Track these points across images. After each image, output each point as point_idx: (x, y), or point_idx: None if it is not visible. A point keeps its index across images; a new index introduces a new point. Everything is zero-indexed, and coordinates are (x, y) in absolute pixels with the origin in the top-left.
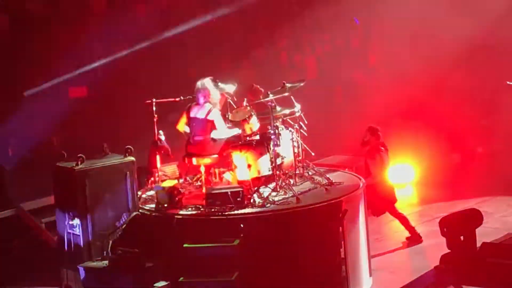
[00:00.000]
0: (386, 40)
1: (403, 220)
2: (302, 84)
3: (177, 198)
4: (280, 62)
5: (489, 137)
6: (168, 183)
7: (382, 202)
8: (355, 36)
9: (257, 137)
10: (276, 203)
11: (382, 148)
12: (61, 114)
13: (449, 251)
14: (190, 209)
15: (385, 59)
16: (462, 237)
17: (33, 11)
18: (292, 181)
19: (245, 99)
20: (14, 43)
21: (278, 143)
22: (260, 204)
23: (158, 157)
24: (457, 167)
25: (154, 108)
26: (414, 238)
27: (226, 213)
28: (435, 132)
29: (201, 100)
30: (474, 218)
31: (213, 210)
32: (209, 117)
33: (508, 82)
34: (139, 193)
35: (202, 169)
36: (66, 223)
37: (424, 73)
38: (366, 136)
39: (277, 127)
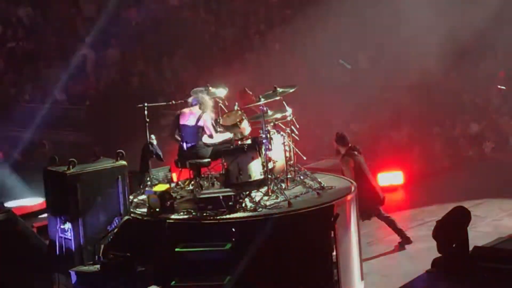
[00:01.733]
0: (377, 44)
1: (391, 223)
2: (293, 90)
3: (168, 203)
4: (271, 65)
5: (481, 140)
6: (159, 188)
7: (366, 206)
8: (346, 40)
9: (249, 141)
10: (268, 207)
11: (355, 152)
12: (53, 118)
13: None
14: (181, 213)
15: (376, 63)
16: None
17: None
18: (283, 185)
19: (236, 103)
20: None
21: (270, 147)
22: (252, 208)
23: (149, 162)
24: (448, 171)
25: (146, 112)
26: (404, 241)
27: (218, 217)
28: (426, 135)
29: (194, 105)
30: (463, 218)
31: (204, 214)
32: (199, 123)
33: (499, 86)
34: (131, 197)
35: (194, 173)
36: (57, 227)
37: (415, 77)
38: (335, 146)
39: (268, 131)
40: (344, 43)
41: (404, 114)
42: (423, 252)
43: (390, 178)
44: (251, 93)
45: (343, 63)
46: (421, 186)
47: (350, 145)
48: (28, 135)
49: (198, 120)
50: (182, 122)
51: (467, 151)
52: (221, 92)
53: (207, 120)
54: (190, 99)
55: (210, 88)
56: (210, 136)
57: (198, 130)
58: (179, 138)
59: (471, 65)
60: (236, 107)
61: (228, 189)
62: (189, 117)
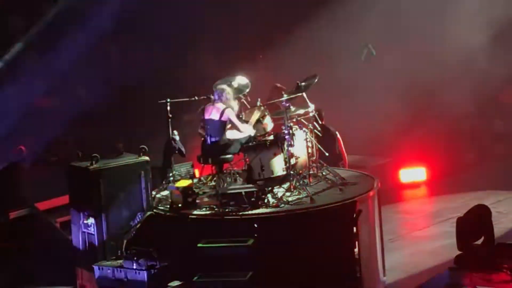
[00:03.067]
0: (398, 39)
1: None
2: (315, 81)
3: (191, 198)
4: (294, 62)
5: (505, 136)
6: (182, 183)
7: None
8: (370, 38)
9: (271, 137)
10: (290, 203)
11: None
12: (76, 113)
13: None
14: (204, 209)
15: (397, 58)
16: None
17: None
18: (306, 181)
19: (259, 99)
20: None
21: (292, 143)
22: (274, 204)
23: (172, 157)
24: (472, 167)
25: (168, 108)
26: None
27: (240, 213)
28: (448, 131)
29: (217, 100)
30: (484, 215)
31: (227, 210)
32: (223, 118)
33: None
34: (154, 193)
35: (217, 169)
36: (81, 223)
37: (437, 70)
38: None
39: (291, 127)
40: (368, 41)
41: (427, 111)
42: (446, 248)
43: (413, 174)
44: (285, 88)
45: (369, 48)
46: (444, 182)
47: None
48: (51, 130)
49: (221, 115)
50: (206, 116)
51: (491, 148)
52: (245, 88)
53: (231, 114)
54: (214, 94)
55: (233, 83)
56: (237, 129)
57: (222, 125)
58: (203, 133)
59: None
60: (258, 103)
61: (250, 185)
62: (212, 112)
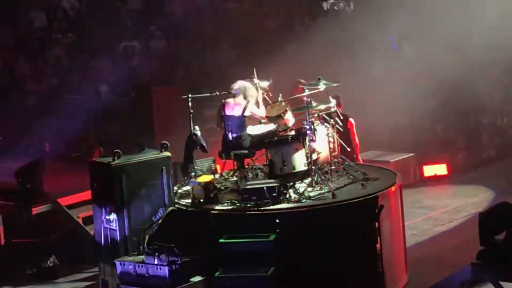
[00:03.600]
0: (423, 35)
1: None
2: (335, 84)
3: (212, 194)
4: (315, 57)
5: None
6: (204, 179)
7: None
8: (391, 31)
9: (293, 132)
10: (312, 198)
11: None
12: (97, 110)
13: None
14: (225, 204)
15: (421, 54)
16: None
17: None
18: (327, 176)
19: (280, 94)
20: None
21: (314, 138)
22: (296, 199)
23: (194, 153)
24: (494, 162)
25: (189, 104)
26: None
27: (262, 208)
28: (472, 126)
29: (237, 97)
30: (507, 211)
31: (248, 205)
32: (246, 113)
33: None
34: (175, 188)
35: (238, 164)
36: (103, 218)
37: (457, 66)
38: None
39: (312, 122)
40: (388, 35)
41: (449, 105)
42: (468, 244)
43: (435, 169)
44: (306, 83)
45: (392, 42)
46: (466, 177)
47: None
48: (73, 127)
49: (244, 110)
50: (227, 112)
51: None
52: (265, 83)
53: (253, 109)
54: (233, 90)
55: (254, 79)
56: (261, 117)
57: (243, 121)
58: (224, 128)
59: None
60: (280, 98)
61: (272, 180)
62: (234, 108)
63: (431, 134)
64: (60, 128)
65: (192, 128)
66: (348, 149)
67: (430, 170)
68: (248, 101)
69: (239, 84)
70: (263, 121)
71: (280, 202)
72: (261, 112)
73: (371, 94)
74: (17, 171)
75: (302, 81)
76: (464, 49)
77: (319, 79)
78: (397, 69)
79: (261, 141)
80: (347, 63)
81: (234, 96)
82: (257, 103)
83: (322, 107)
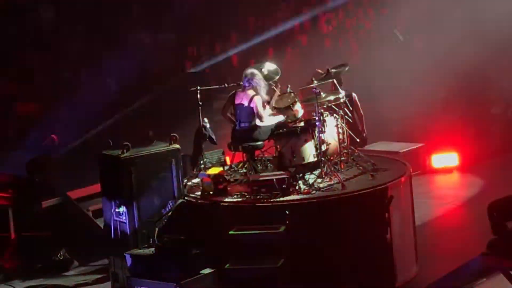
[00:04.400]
0: (432, 25)
1: None
2: (346, 69)
3: (222, 186)
4: (324, 48)
5: None
6: (213, 171)
7: None
8: (400, 22)
9: (302, 124)
10: (322, 190)
11: None
12: (106, 102)
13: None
14: (235, 196)
15: (431, 44)
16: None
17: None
18: (337, 167)
19: (289, 85)
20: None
21: (323, 129)
22: (306, 191)
23: (203, 145)
24: (506, 153)
25: (198, 96)
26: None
27: (272, 200)
28: (482, 117)
29: (247, 87)
30: None
31: (258, 197)
32: (251, 105)
33: None
34: (185, 180)
35: (247, 156)
36: (112, 211)
37: (471, 55)
38: None
39: (321, 114)
40: (398, 25)
41: (459, 95)
42: (479, 234)
43: (445, 159)
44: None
45: (396, 34)
46: (477, 168)
47: None
48: (82, 119)
49: (250, 101)
50: (237, 101)
51: None
52: (274, 74)
53: (258, 103)
54: (243, 81)
55: (263, 70)
56: (260, 119)
57: (251, 111)
58: (233, 118)
59: None
60: (289, 89)
61: (281, 172)
62: (243, 98)
63: (441, 124)
64: (70, 121)
65: (201, 120)
66: (358, 140)
67: (440, 161)
68: (257, 93)
69: (249, 75)
70: (271, 112)
71: (289, 194)
72: (263, 112)
73: (381, 85)
74: (27, 164)
75: (319, 71)
76: (475, 39)
77: (328, 70)
78: (407, 59)
79: (270, 133)
80: (356, 54)
81: (244, 87)
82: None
83: (331, 98)
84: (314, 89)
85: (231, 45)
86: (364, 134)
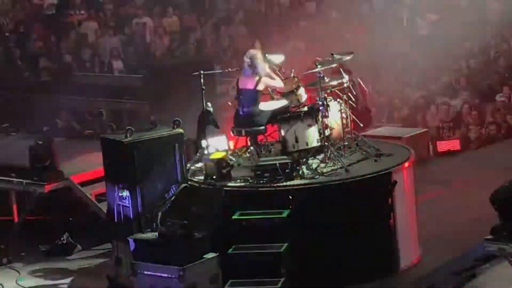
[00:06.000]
0: (438, 10)
1: None
2: (350, 57)
3: (225, 170)
4: (328, 33)
5: None
6: (216, 155)
7: None
8: (405, 6)
9: (305, 108)
10: (325, 174)
11: None
12: (109, 87)
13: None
14: (238, 181)
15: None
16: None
17: None
18: (341, 152)
19: (293, 70)
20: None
21: (327, 114)
22: (309, 175)
23: (206, 129)
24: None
25: (202, 80)
26: None
27: (275, 184)
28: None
29: (249, 71)
30: None
31: (261, 181)
32: (258, 87)
33: None
34: (188, 165)
35: (251, 141)
36: (115, 195)
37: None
38: None
39: (325, 98)
40: (402, 10)
41: (464, 81)
42: (482, 219)
43: (447, 144)
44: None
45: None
46: (479, 153)
47: None
48: (85, 104)
49: (257, 84)
50: (240, 85)
51: None
52: (278, 59)
53: (268, 80)
54: (245, 65)
55: (267, 55)
56: (279, 88)
57: (255, 95)
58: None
59: None
60: (292, 74)
61: (285, 157)
62: (247, 82)
63: (444, 110)
64: (72, 105)
65: (204, 104)
66: (361, 125)
67: (443, 146)
68: (261, 75)
69: (250, 53)
70: (275, 97)
71: (293, 179)
72: (277, 82)
73: (385, 70)
74: (30, 148)
75: (318, 59)
76: (479, 24)
77: (332, 54)
78: (411, 44)
79: (273, 117)
80: (361, 39)
81: (246, 71)
82: (268, 75)
83: (335, 82)
84: (317, 74)
85: (234, 30)
86: (371, 113)
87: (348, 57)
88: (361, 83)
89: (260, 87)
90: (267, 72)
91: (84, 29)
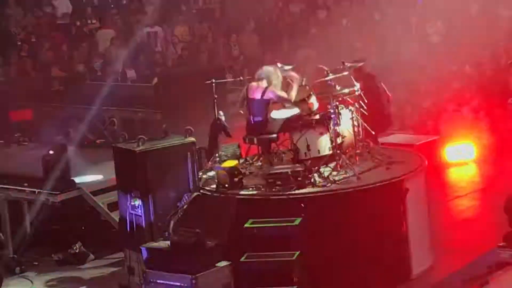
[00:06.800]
0: (447, 17)
1: None
2: (361, 64)
3: (237, 178)
4: (339, 41)
5: None
6: (228, 164)
7: None
8: (415, 13)
9: (317, 116)
10: (337, 182)
11: None
12: (121, 95)
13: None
14: (250, 189)
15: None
16: None
17: None
18: (352, 160)
19: (304, 78)
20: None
21: (338, 122)
22: (321, 183)
23: (218, 138)
24: None
25: (214, 89)
26: None
27: (287, 193)
28: (500, 109)
29: (260, 79)
30: None
31: (273, 190)
32: (265, 97)
33: None
34: (200, 173)
35: (262, 149)
36: (128, 204)
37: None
38: None
39: (336, 106)
40: (412, 17)
41: (476, 87)
42: (494, 227)
43: (460, 151)
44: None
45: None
46: (494, 160)
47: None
48: (97, 112)
49: (263, 93)
50: (250, 95)
51: None
52: (288, 68)
53: (274, 91)
54: (257, 74)
55: (278, 64)
56: (286, 101)
57: (264, 104)
58: (246, 111)
59: None
60: (303, 82)
61: (297, 165)
62: (256, 91)
63: (456, 117)
64: (84, 114)
65: (216, 113)
66: (373, 132)
67: (455, 153)
68: (269, 85)
69: (264, 69)
70: (287, 105)
71: (305, 186)
72: (283, 94)
73: (396, 77)
74: (43, 157)
75: (323, 67)
76: (490, 31)
77: (343, 63)
78: (421, 51)
79: (285, 125)
80: (372, 47)
81: (258, 80)
82: (282, 90)
83: (346, 91)
84: (329, 82)
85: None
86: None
87: (360, 64)
88: (385, 88)
89: (266, 96)
90: (280, 87)
91: (97, 38)
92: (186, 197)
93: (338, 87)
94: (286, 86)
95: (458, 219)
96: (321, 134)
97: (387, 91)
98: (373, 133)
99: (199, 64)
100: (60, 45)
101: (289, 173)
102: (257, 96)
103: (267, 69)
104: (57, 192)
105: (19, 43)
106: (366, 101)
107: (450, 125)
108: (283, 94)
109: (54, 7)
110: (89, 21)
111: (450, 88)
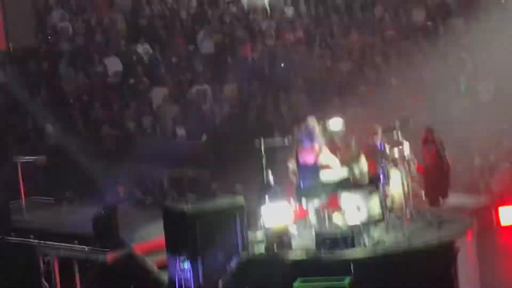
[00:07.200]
0: (498, 75)
1: None
2: (411, 123)
3: (286, 239)
4: (388, 100)
5: None
6: (277, 225)
7: None
8: (465, 72)
9: (366, 177)
10: (387, 243)
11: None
12: (170, 153)
13: None
14: (299, 250)
15: (497, 94)
16: None
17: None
18: (402, 221)
19: (353, 138)
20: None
21: (388, 183)
22: (371, 244)
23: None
24: None
25: (262, 148)
26: None
27: (336, 253)
28: None
29: (308, 143)
30: None
31: (323, 250)
32: (318, 163)
33: None
34: (249, 234)
35: (311, 209)
36: (176, 265)
37: None
38: None
39: (386, 168)
40: (462, 76)
41: None
42: None
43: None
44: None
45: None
46: None
47: None
48: (147, 170)
49: (315, 158)
50: (301, 160)
51: None
52: (337, 124)
53: (325, 157)
54: (303, 134)
55: (326, 123)
56: (333, 167)
57: (316, 169)
58: (294, 176)
59: None
60: (353, 143)
61: (346, 225)
62: (307, 156)
63: (509, 176)
64: (134, 172)
65: (264, 171)
66: (424, 198)
67: (509, 215)
68: (320, 148)
69: (315, 130)
70: (336, 167)
71: (354, 248)
72: (334, 158)
73: (445, 136)
74: (94, 217)
75: (378, 126)
76: None
77: (394, 123)
78: (471, 110)
79: (334, 187)
80: (421, 106)
81: (307, 143)
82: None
83: (396, 151)
84: (378, 143)
85: (294, 97)
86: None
87: (408, 124)
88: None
89: (320, 161)
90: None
91: (151, 96)
92: (235, 258)
93: (387, 146)
94: (335, 146)
95: (510, 285)
96: (371, 195)
97: (448, 160)
98: (424, 198)
99: (247, 122)
100: (111, 103)
101: (338, 234)
102: (310, 161)
103: (318, 129)
104: (107, 250)
105: (71, 101)
106: (416, 161)
107: (503, 185)
108: (334, 158)
109: (105, 65)
110: (140, 80)
111: (501, 146)
